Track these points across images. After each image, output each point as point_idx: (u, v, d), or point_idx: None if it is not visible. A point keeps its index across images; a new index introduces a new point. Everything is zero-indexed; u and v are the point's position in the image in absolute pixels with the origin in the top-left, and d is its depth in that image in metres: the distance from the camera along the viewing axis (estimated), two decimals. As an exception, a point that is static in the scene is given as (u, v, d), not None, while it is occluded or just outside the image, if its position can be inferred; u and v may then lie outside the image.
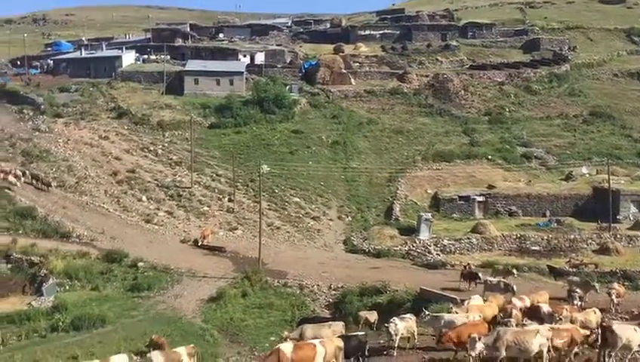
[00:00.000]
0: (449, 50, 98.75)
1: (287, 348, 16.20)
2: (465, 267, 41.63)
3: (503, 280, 35.26)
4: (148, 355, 19.83)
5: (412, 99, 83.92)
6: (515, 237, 55.24)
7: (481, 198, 61.96)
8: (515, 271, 39.76)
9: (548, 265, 46.79)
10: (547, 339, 17.17)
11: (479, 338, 17.02)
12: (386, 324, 23.09)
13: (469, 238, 54.66)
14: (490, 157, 71.09)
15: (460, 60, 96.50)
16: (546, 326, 18.70)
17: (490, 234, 55.10)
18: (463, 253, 53.23)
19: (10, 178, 57.53)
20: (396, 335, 22.08)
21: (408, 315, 24.09)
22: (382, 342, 22.82)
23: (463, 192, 63.12)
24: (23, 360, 30.04)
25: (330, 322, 25.20)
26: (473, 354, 16.90)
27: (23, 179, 58.80)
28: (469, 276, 38.67)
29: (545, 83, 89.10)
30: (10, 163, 63.02)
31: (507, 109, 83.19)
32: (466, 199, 62.02)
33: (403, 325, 22.28)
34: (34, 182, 59.34)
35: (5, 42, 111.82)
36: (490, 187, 64.02)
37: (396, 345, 22.14)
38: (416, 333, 23.00)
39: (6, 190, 56.76)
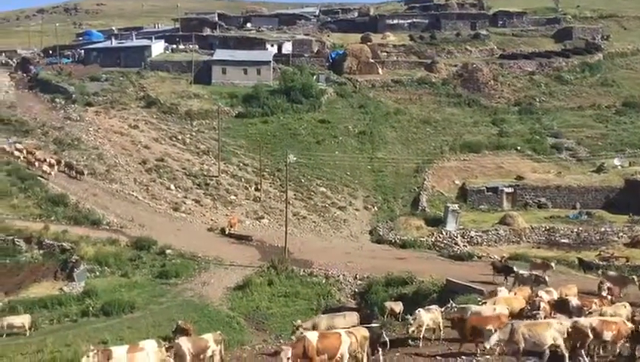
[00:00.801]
0: (479, 40, 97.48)
1: (313, 336, 16.26)
2: (500, 260, 40.47)
3: (534, 273, 34.62)
4: (175, 341, 20.06)
5: (440, 89, 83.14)
6: (544, 229, 54.55)
7: (509, 189, 61.26)
8: (553, 264, 38.29)
9: (578, 258, 46.06)
10: (560, 332, 16.96)
11: (495, 331, 16.83)
12: (408, 315, 22.95)
13: (496, 230, 54.14)
14: (519, 148, 70.13)
15: (490, 49, 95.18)
16: (595, 319, 18.39)
17: (518, 226, 54.47)
18: (490, 244, 52.82)
19: (45, 167, 58.48)
20: (421, 326, 21.93)
21: (434, 307, 23.89)
22: (405, 333, 22.60)
23: (491, 183, 62.46)
24: (55, 343, 30.62)
25: (345, 312, 25.07)
26: (487, 346, 16.73)
27: (57, 167, 59.80)
28: (504, 269, 37.57)
29: (577, 73, 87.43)
30: (43, 151, 64.29)
31: (537, 99, 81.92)
32: (494, 190, 61.37)
33: (428, 316, 22.09)
34: (67, 170, 60.28)
35: (38, 32, 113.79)
36: (519, 178, 63.23)
37: (422, 336, 22.01)
38: (441, 325, 22.81)
39: (38, 177, 57.94)
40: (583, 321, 18.26)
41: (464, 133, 73.50)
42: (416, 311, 22.26)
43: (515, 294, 26.39)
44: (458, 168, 66.79)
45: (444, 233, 53.37)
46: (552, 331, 16.80)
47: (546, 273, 35.37)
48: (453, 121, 76.23)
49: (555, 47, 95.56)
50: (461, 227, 54.33)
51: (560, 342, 16.82)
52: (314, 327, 20.84)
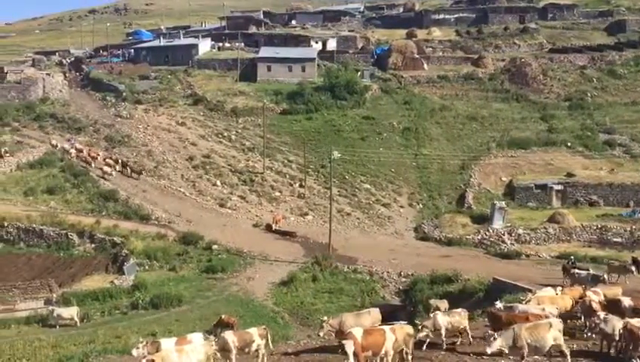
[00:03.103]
0: (527, 33, 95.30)
1: (357, 332, 16.30)
2: (568, 261, 37.91)
3: (592, 272, 33.39)
4: (221, 334, 20.38)
5: (487, 84, 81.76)
6: (595, 227, 53.01)
7: (559, 187, 59.81)
8: (633, 268, 35.88)
9: (633, 258, 44.47)
10: (561, 332, 16.44)
11: (497, 336, 16.28)
12: (416, 321, 21.64)
13: (545, 228, 52.92)
14: (569, 144, 68.35)
15: (539, 43, 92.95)
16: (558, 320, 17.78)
17: (568, 224, 53.09)
18: (538, 243, 51.70)
19: (105, 168, 59.93)
20: (436, 329, 20.65)
21: (459, 310, 23.05)
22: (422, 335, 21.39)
23: (539, 180, 61.10)
24: (106, 335, 31.59)
25: (370, 309, 24.74)
26: (489, 351, 16.25)
27: (117, 167, 61.04)
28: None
29: (631, 66, 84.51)
30: (95, 147, 66.19)
31: (589, 94, 79.55)
32: (543, 187, 60.01)
33: (446, 320, 21.00)
34: (124, 170, 61.18)
35: (89, 32, 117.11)
36: (570, 175, 61.65)
37: (443, 339, 20.87)
38: (467, 329, 21.58)
39: (98, 177, 59.53)
40: (635, 322, 17.71)
41: (512, 129, 72.06)
42: (432, 314, 21.49)
43: (562, 293, 25.71)
44: (505, 165, 65.57)
45: (490, 231, 52.52)
46: (553, 331, 16.31)
47: (626, 276, 33.74)
48: (500, 116, 74.84)
49: (607, 41, 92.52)
50: (508, 225, 53.35)
51: (561, 341, 16.32)
52: (340, 324, 20.69)
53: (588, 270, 33.94)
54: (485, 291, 35.77)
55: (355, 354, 15.93)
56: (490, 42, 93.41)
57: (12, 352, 27.76)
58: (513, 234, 52.38)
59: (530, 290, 30.69)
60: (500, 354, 17.07)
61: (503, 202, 55.89)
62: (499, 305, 23.97)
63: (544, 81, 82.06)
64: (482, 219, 54.65)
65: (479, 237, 52.24)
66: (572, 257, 40.47)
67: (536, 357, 17.08)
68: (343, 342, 16.24)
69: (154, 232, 49.88)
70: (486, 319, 22.44)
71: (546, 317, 20.48)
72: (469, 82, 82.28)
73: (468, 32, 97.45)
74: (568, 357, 16.24)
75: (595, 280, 31.21)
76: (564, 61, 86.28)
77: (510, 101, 78.66)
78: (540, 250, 49.65)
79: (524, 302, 24.23)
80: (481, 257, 47.71)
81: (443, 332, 20.41)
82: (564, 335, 21.41)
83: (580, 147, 67.94)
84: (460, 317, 21.32)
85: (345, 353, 15.67)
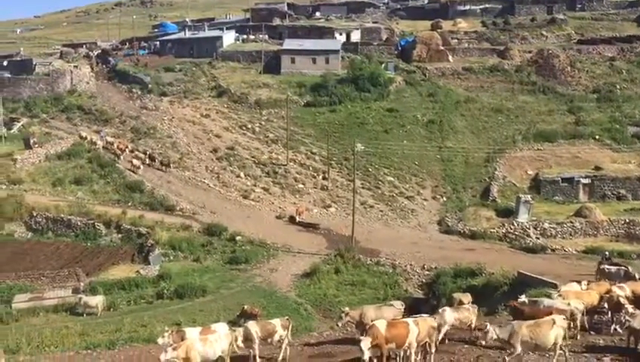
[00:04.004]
0: (555, 24, 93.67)
1: (381, 325, 16.31)
2: (604, 258, 36.47)
3: (624, 268, 32.79)
4: (245, 324, 20.59)
5: (513, 76, 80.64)
6: (623, 222, 52.03)
7: (586, 180, 58.89)
8: None
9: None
10: (563, 329, 16.11)
11: (492, 329, 16.02)
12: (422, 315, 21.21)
13: (571, 222, 52.15)
14: (597, 137, 67.12)
15: (567, 35, 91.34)
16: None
17: (595, 219, 52.24)
18: (564, 237, 51.00)
19: (135, 161, 60.62)
20: (441, 325, 20.37)
21: (467, 305, 22.80)
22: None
23: (566, 174, 60.18)
24: (132, 323, 32.11)
25: (392, 302, 24.65)
26: (483, 343, 16.03)
27: (147, 160, 61.64)
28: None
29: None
30: (122, 139, 67.04)
31: (618, 86, 77.96)
32: (570, 181, 59.13)
33: (454, 316, 20.76)
34: (152, 163, 61.59)
35: (116, 24, 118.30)
36: (597, 169, 60.64)
37: (444, 335, 20.56)
38: (473, 325, 21.34)
39: (117, 164, 60.50)
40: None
41: (538, 121, 71.02)
42: (441, 309, 21.30)
43: (588, 288, 25.38)
44: (531, 158, 64.72)
45: (515, 224, 51.94)
46: (556, 329, 16.01)
47: None
48: (526, 109, 73.80)
49: (637, 32, 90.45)
50: (534, 218, 52.71)
51: (560, 339, 16.02)
52: (361, 316, 20.71)
53: (625, 266, 33.04)
54: (510, 285, 35.47)
55: (379, 347, 15.95)
56: (517, 33, 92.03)
57: (41, 339, 28.37)
58: (538, 228, 51.74)
59: (555, 285, 30.38)
60: (501, 347, 16.85)
61: (529, 195, 55.22)
62: (523, 298, 23.78)
63: (572, 73, 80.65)
64: (507, 213, 54.07)
65: (504, 231, 51.71)
66: (607, 252, 39.59)
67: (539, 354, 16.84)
68: (360, 338, 16.26)
69: (179, 223, 50.44)
70: (510, 313, 22.31)
71: (572, 312, 20.29)
72: (494, 74, 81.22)
73: (494, 23, 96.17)
74: (566, 353, 15.99)
75: (627, 277, 30.63)
76: (592, 52, 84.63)
77: (537, 93, 77.50)
78: (566, 244, 48.97)
79: (555, 296, 23.85)
80: (506, 251, 47.30)
81: (446, 328, 20.17)
82: (591, 330, 21.24)
83: (608, 140, 66.70)
84: (469, 313, 21.23)
85: (361, 349, 15.64)
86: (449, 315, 20.46)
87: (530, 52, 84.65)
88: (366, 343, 15.53)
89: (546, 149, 65.66)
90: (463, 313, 21.12)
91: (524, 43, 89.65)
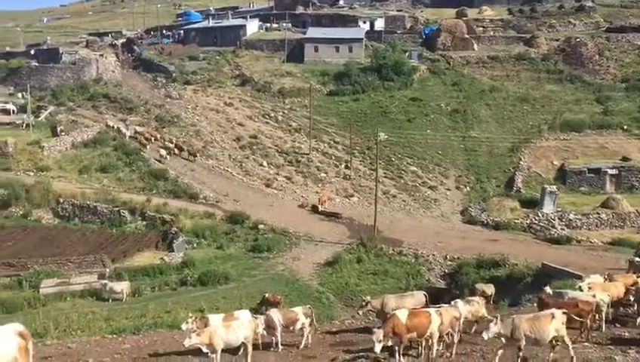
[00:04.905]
0: (583, 12, 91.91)
1: (402, 314, 16.26)
2: (637, 251, 35.83)
3: None
4: (268, 312, 20.75)
5: (540, 64, 79.39)
6: (651, 214, 51.16)
7: (613, 171, 57.91)
8: None
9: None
10: (562, 324, 15.82)
11: (496, 323, 15.77)
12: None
13: (598, 213, 51.41)
14: (625, 127, 65.87)
15: (596, 22, 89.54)
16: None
17: (622, 210, 51.42)
18: (590, 228, 50.31)
19: (162, 151, 61.18)
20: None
21: (476, 298, 22.60)
22: None
23: (593, 164, 59.24)
24: (156, 309, 32.54)
25: (414, 292, 24.50)
26: (486, 337, 15.79)
27: (175, 150, 62.08)
28: None
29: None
30: (150, 128, 67.59)
31: (648, 75, 76.30)
32: (597, 172, 58.20)
33: (466, 309, 20.64)
34: (179, 152, 61.93)
35: (140, 13, 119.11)
36: (625, 159, 59.58)
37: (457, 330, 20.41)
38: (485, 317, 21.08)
39: (141, 152, 61.15)
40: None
41: (565, 111, 69.90)
42: (453, 301, 21.13)
43: (612, 280, 24.99)
44: (557, 148, 63.79)
45: (540, 215, 51.37)
46: (555, 323, 15.74)
47: None
48: (553, 98, 72.67)
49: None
50: (559, 209, 52.06)
51: (563, 332, 15.76)
52: (382, 305, 20.65)
53: None
54: (534, 276, 35.15)
55: (398, 336, 15.91)
56: (544, 21, 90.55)
57: (68, 324, 28.91)
58: (564, 219, 51.11)
59: (580, 276, 30.00)
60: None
61: (554, 186, 54.52)
62: (548, 290, 23.52)
63: (600, 62, 79.16)
64: (532, 204, 53.48)
65: (528, 222, 51.19)
66: None
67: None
68: (374, 329, 16.21)
69: (202, 211, 50.89)
70: (535, 305, 22.07)
71: (597, 304, 20.02)
72: (520, 63, 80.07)
73: (521, 11, 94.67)
74: (570, 348, 15.77)
75: None
76: (621, 41, 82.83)
77: (564, 82, 76.25)
78: (592, 235, 48.36)
79: (578, 288, 23.52)
80: (530, 242, 46.83)
81: (461, 320, 19.96)
82: (616, 323, 20.95)
83: (637, 130, 65.38)
84: (479, 306, 21.10)
85: (373, 340, 15.55)
86: (462, 308, 20.37)
87: (557, 40, 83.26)
88: (378, 335, 15.47)
89: (573, 139, 64.67)
90: (474, 306, 21.08)
91: (551, 31, 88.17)
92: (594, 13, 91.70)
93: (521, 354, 15.40)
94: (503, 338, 15.56)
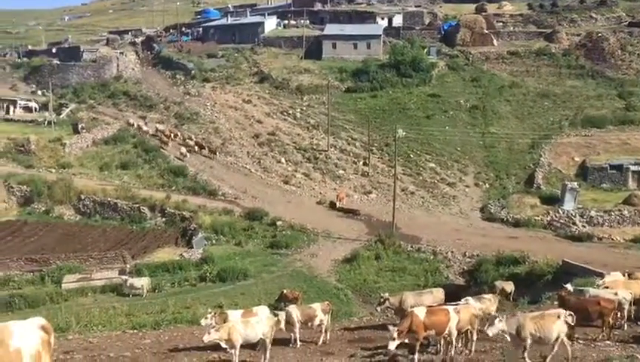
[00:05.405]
0: (605, 6, 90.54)
1: (420, 312, 16.22)
2: None
3: None
4: (286, 308, 20.84)
5: (560, 60, 78.43)
6: (674, 211, 50.30)
7: (636, 168, 56.97)
8: None
9: None
10: (567, 324, 15.55)
11: (500, 320, 15.56)
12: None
13: (620, 210, 50.67)
14: (648, 123, 64.84)
15: (618, 17, 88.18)
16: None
17: (645, 207, 50.64)
18: (612, 225, 49.63)
19: (182, 149, 61.63)
20: None
21: (489, 296, 22.41)
22: None
23: (615, 160, 58.37)
24: (176, 305, 32.82)
25: (432, 289, 24.36)
26: (490, 333, 15.58)
27: (196, 148, 62.42)
28: None
29: None
30: (170, 126, 68.05)
31: (671, 70, 75.02)
32: (619, 168, 57.33)
33: (478, 306, 20.49)
34: (199, 150, 62.17)
35: (160, 11, 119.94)
36: (648, 156, 58.61)
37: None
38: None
39: (161, 150, 61.68)
40: None
41: (586, 107, 68.98)
42: (464, 299, 20.99)
43: (632, 278, 24.68)
44: (578, 144, 62.97)
45: (560, 212, 50.82)
46: (560, 324, 15.51)
47: None
48: (574, 94, 71.76)
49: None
50: (580, 206, 51.43)
51: (563, 335, 15.51)
52: (401, 302, 20.61)
53: None
54: (554, 274, 34.82)
55: (416, 333, 15.85)
56: (565, 16, 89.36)
57: (89, 319, 29.27)
58: (585, 216, 50.50)
59: (601, 274, 29.67)
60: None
61: (575, 183, 53.90)
62: (569, 287, 23.30)
63: (622, 57, 77.97)
64: (552, 200, 52.90)
65: (548, 219, 50.66)
66: None
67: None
68: (390, 327, 16.16)
69: (221, 207, 51.20)
70: (556, 303, 21.88)
71: (619, 302, 19.80)
72: (541, 58, 79.18)
73: (541, 6, 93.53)
74: (569, 349, 15.56)
75: None
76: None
77: (585, 78, 75.26)
78: (614, 233, 47.73)
79: (599, 286, 23.26)
80: (550, 239, 46.39)
81: None
82: (638, 321, 20.69)
83: (660, 126, 64.41)
84: (490, 303, 20.98)
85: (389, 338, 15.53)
86: (474, 305, 20.24)
87: (578, 35, 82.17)
88: (392, 333, 15.42)
89: (594, 135, 63.82)
90: (485, 303, 20.98)
91: (572, 26, 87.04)
92: (616, 8, 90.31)
93: (525, 353, 15.25)
94: (507, 336, 15.43)
